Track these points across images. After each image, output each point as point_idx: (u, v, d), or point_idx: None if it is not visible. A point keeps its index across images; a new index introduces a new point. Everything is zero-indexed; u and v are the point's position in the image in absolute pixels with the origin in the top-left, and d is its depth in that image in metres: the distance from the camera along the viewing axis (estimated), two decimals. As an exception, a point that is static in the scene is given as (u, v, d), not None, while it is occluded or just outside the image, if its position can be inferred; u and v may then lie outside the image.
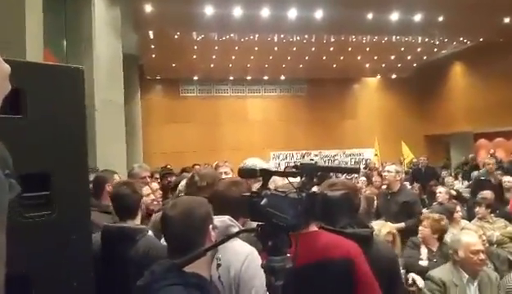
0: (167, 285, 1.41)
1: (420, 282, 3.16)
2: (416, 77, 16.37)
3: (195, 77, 15.91)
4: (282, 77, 16.40)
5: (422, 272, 3.28)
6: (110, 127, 6.30)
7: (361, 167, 13.79)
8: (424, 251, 3.70)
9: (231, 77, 16.11)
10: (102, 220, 2.53)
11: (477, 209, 4.71)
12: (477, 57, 13.54)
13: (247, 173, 1.29)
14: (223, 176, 3.50)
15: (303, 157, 15.65)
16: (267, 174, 1.20)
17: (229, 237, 1.31)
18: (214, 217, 2.00)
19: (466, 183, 10.70)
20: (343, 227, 2.37)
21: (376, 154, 13.56)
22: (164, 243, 2.02)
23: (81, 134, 1.93)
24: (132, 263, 2.15)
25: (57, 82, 1.84)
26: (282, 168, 1.35)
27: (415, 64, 15.81)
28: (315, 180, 1.09)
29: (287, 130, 15.87)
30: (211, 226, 1.46)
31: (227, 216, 1.94)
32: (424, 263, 3.56)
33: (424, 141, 16.40)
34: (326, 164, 14.52)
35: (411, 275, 3.32)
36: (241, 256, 1.82)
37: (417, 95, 16.32)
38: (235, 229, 1.89)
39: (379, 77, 17.29)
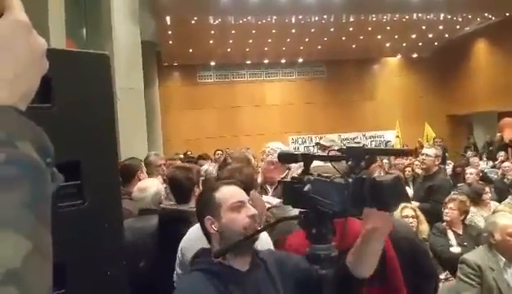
0: (192, 270, 1.41)
1: None
2: (438, 57, 15.89)
3: (212, 63, 15.83)
4: (300, 60, 16.16)
5: (456, 259, 3.19)
6: (132, 115, 6.33)
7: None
8: (451, 236, 3.61)
9: (249, 62, 15.96)
10: (133, 206, 2.58)
11: None
12: (501, 33, 13.02)
13: (287, 158, 1.23)
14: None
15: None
16: (308, 158, 1.15)
17: (269, 225, 1.26)
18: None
19: (491, 163, 10.42)
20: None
21: (398, 136, 13.31)
22: None
23: (110, 121, 1.91)
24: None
25: (84, 69, 1.81)
26: (309, 150, 1.30)
27: (436, 43, 15.33)
28: (362, 164, 1.03)
29: (306, 113, 15.70)
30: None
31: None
32: (456, 249, 3.47)
33: (446, 121, 16.02)
34: (370, 146, 14.36)
35: None
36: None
37: (439, 75, 15.87)
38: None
39: (399, 56, 16.85)
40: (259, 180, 3.12)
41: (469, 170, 5.49)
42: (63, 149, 1.73)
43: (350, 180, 1.03)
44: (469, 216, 4.41)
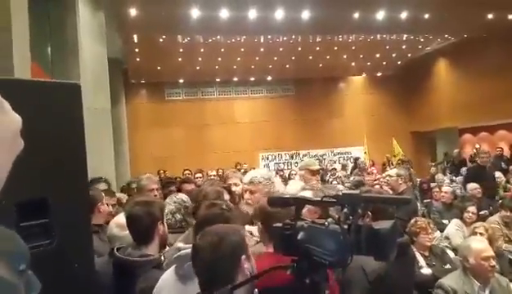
0: None
1: None
2: (401, 75, 16.51)
3: (181, 81, 15.71)
4: (269, 78, 16.34)
5: (428, 280, 3.22)
6: (98, 134, 6.12)
7: (350, 164, 13.83)
8: (420, 258, 3.64)
9: (218, 79, 15.96)
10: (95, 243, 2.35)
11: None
12: (460, 53, 13.71)
13: (278, 202, 1.18)
14: (233, 188, 3.32)
15: (292, 157, 15.64)
16: (300, 203, 1.10)
17: (266, 271, 1.20)
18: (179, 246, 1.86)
19: (455, 178, 10.77)
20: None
21: (365, 152, 13.61)
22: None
23: (81, 154, 1.80)
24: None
25: (54, 101, 1.70)
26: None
27: (399, 62, 15.93)
28: (359, 211, 0.99)
29: (275, 130, 15.81)
30: (243, 257, 1.32)
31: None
32: (426, 271, 3.50)
33: (410, 138, 16.55)
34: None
35: None
36: None
37: (402, 93, 16.46)
38: None
39: (364, 75, 17.38)
40: (249, 211, 2.89)
41: (444, 188, 5.61)
42: (29, 186, 1.62)
43: (345, 227, 0.99)
44: (453, 230, 4.50)
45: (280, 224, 1.09)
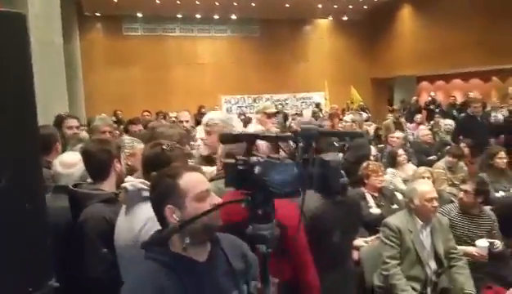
0: (145, 258, 1.36)
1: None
2: (367, 20, 16.42)
3: (139, 15, 14.85)
4: (233, 17, 15.76)
5: (377, 219, 3.43)
6: (49, 72, 5.77)
7: (311, 110, 14.00)
8: (369, 198, 3.86)
9: (179, 16, 15.21)
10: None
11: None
12: (424, 1, 13.74)
13: (229, 138, 1.19)
14: (185, 125, 3.36)
15: (255, 101, 15.58)
16: (252, 138, 1.11)
17: (218, 206, 1.24)
18: (126, 180, 1.93)
19: (409, 125, 11.19)
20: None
21: (326, 98, 13.77)
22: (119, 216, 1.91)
23: (28, 91, 1.69)
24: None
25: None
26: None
27: (365, 7, 15.78)
28: (313, 145, 1.03)
29: (238, 73, 15.54)
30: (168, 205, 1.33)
31: (140, 179, 1.88)
32: (375, 211, 3.73)
33: (370, 84, 16.84)
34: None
35: None
36: (141, 220, 1.79)
37: (366, 38, 16.48)
38: (147, 193, 1.85)
39: (330, 18, 17.14)
40: (205, 152, 3.00)
41: (396, 134, 5.83)
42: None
43: (300, 161, 1.03)
44: (389, 178, 4.77)
45: (232, 161, 1.11)
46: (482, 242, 3.13)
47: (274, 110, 4.31)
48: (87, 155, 2.19)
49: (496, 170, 4.60)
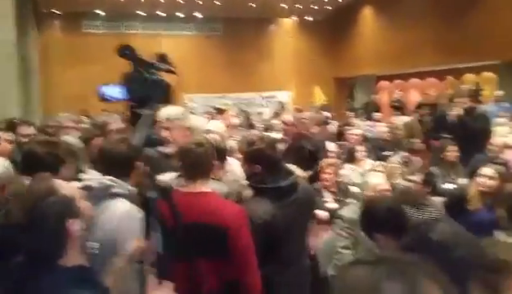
0: None
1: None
2: (331, 21, 16.70)
3: (100, 12, 14.45)
4: (198, 15, 15.62)
5: (334, 214, 3.50)
6: (1, 70, 5.55)
7: (273, 108, 14.08)
8: (327, 195, 3.94)
9: (142, 13, 14.93)
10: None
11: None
12: (385, 1, 14.14)
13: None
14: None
15: (220, 99, 15.50)
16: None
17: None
18: (91, 177, 1.92)
19: (368, 122, 11.43)
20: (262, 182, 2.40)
21: (289, 97, 13.91)
22: None
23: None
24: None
25: None
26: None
27: (329, 7, 16.05)
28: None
29: (202, 72, 15.41)
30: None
31: (108, 177, 1.87)
32: (332, 205, 3.80)
33: (333, 83, 17.15)
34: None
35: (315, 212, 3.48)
36: (114, 215, 1.80)
37: (330, 39, 16.75)
38: (117, 190, 1.85)
39: (295, 18, 17.32)
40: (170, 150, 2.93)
41: (354, 131, 5.97)
42: None
43: None
44: (347, 173, 4.88)
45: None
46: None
47: (224, 108, 4.38)
48: (30, 157, 2.14)
49: (446, 163, 4.81)
